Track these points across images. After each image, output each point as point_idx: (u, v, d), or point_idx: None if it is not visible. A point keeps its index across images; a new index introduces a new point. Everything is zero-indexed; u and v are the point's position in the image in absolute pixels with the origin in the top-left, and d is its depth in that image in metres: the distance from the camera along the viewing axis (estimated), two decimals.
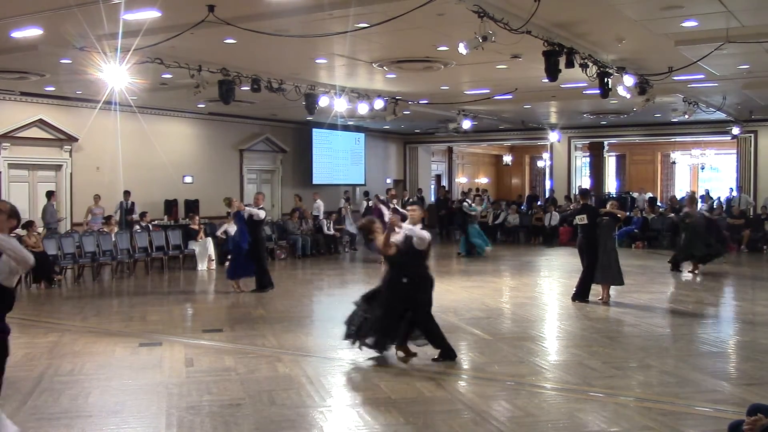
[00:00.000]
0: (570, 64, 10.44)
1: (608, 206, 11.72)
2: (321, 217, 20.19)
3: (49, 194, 15.65)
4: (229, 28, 9.13)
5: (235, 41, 10.60)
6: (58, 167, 16.94)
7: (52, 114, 16.50)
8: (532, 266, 16.70)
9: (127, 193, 17.26)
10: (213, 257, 16.05)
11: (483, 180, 34.26)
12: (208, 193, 19.48)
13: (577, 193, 25.36)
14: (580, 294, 11.17)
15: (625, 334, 9.10)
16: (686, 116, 17.82)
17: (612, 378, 6.88)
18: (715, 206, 21.64)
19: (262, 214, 12.51)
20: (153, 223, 17.16)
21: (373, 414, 5.80)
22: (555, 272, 15.63)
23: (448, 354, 7.48)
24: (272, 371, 7.11)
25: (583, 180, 27.84)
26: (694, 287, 13.58)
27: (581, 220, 11.14)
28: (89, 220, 16.38)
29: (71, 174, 17.02)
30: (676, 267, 14.94)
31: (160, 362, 7.52)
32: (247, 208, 12.41)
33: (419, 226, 7.56)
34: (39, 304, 11.36)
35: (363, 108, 15.78)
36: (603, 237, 11.01)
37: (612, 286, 11.17)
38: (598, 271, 10.95)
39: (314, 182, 23.09)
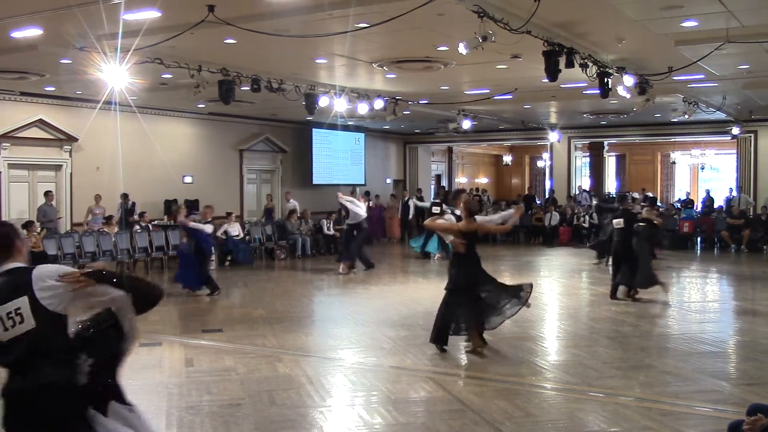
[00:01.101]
0: (570, 64, 10.44)
1: (644, 212, 11.83)
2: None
3: (46, 194, 15.61)
4: (229, 28, 9.12)
5: (235, 41, 10.59)
6: (58, 167, 16.92)
7: (52, 114, 16.48)
8: (532, 266, 16.68)
9: (125, 196, 17.21)
10: (213, 257, 16.02)
11: (483, 180, 34.25)
12: (208, 194, 19.42)
13: (576, 193, 25.47)
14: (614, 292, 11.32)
15: (625, 334, 9.10)
16: (686, 116, 17.80)
17: (612, 378, 6.88)
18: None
19: (208, 229, 12.34)
20: (153, 223, 17.16)
21: (373, 414, 5.80)
22: (555, 272, 15.64)
23: (436, 338, 7.91)
24: (272, 371, 7.11)
25: (583, 180, 27.84)
26: (694, 287, 13.59)
27: (618, 224, 11.27)
28: (89, 220, 16.34)
29: (71, 174, 17.00)
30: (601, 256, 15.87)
31: (160, 362, 7.53)
32: (191, 223, 12.18)
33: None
34: None
35: (363, 108, 15.76)
36: (639, 243, 11.20)
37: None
38: (637, 274, 11.06)
39: (314, 182, 23.06)
